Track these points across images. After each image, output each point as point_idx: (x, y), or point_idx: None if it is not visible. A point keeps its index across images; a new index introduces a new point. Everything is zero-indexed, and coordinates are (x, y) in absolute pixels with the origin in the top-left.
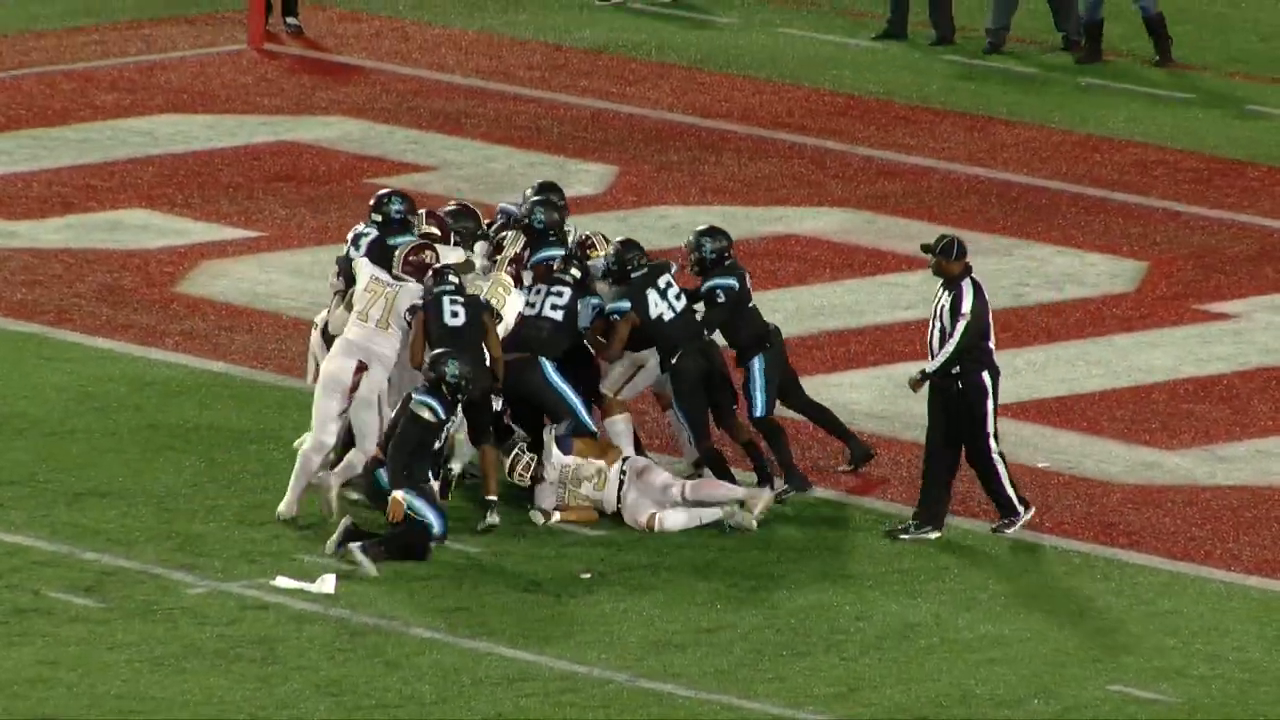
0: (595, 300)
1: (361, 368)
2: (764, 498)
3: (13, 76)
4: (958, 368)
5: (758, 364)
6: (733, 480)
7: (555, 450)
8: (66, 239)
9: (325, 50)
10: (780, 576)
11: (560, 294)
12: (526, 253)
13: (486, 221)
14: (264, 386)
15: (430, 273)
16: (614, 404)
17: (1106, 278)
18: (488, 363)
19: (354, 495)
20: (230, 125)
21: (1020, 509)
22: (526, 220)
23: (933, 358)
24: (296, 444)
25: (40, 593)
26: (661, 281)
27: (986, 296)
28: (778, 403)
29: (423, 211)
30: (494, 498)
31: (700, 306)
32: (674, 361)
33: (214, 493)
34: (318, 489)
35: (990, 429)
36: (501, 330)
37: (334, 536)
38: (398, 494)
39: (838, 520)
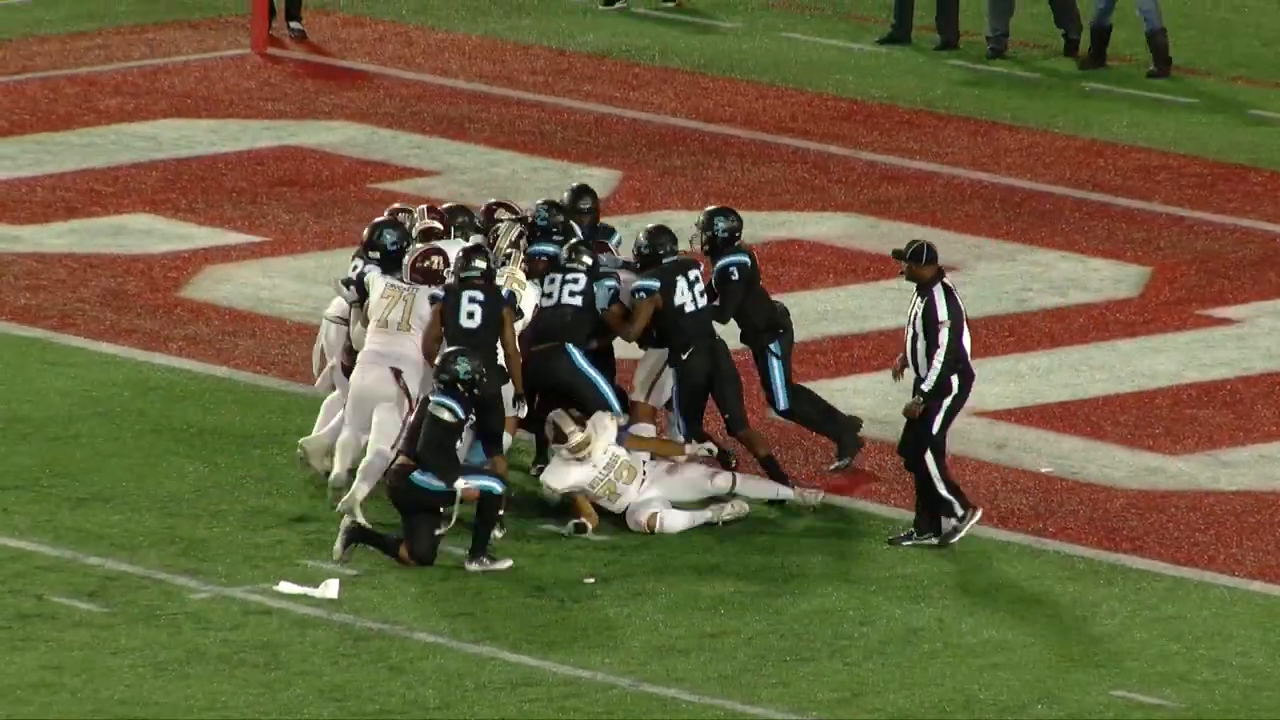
0: (610, 283)
1: (398, 373)
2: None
3: (16, 81)
4: (925, 370)
5: (776, 348)
6: None
7: (610, 435)
8: (70, 244)
9: (329, 55)
10: (784, 582)
11: (576, 280)
12: (523, 243)
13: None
14: (267, 391)
15: (460, 253)
16: (642, 409)
17: (1110, 283)
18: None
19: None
20: (234, 130)
21: (957, 510)
22: (530, 217)
23: (914, 367)
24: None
25: (44, 598)
26: (691, 274)
27: (959, 300)
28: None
29: (423, 207)
30: (501, 511)
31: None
32: (684, 358)
33: (217, 498)
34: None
35: (934, 428)
36: (519, 326)
37: (338, 542)
38: (461, 483)
39: (841, 525)
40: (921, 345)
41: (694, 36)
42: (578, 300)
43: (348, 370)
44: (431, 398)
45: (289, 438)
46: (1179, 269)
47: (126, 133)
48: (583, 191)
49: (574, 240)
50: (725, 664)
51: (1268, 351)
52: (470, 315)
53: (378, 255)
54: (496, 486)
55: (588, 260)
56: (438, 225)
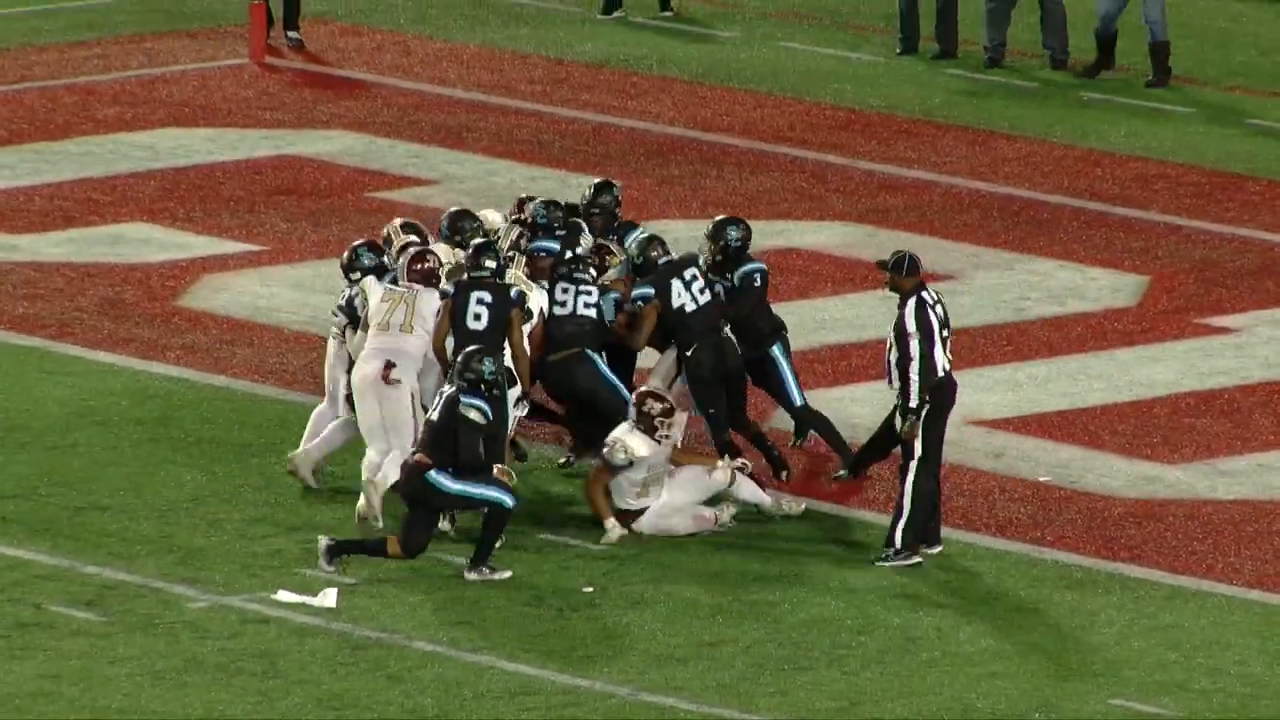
0: (615, 294)
1: (389, 365)
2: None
3: (14, 90)
4: (898, 382)
5: (779, 351)
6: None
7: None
8: (68, 253)
9: (327, 64)
10: (782, 591)
11: (589, 292)
12: (524, 244)
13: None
14: (265, 400)
15: (471, 250)
16: None
17: (1108, 292)
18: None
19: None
20: (232, 139)
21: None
22: (529, 216)
23: (889, 379)
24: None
25: (42, 607)
26: (687, 273)
27: (932, 312)
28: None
29: (397, 222)
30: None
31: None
32: (689, 354)
33: (215, 506)
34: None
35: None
36: (526, 328)
37: (322, 559)
38: (500, 473)
39: (839, 534)
40: (894, 356)
41: (692, 46)
42: (593, 312)
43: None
44: (462, 400)
45: (287, 447)
46: (1177, 278)
47: (124, 142)
48: (602, 188)
49: (576, 253)
50: (723, 673)
51: (1265, 360)
52: (477, 317)
53: (357, 277)
54: (509, 501)
55: (593, 272)
56: (415, 238)
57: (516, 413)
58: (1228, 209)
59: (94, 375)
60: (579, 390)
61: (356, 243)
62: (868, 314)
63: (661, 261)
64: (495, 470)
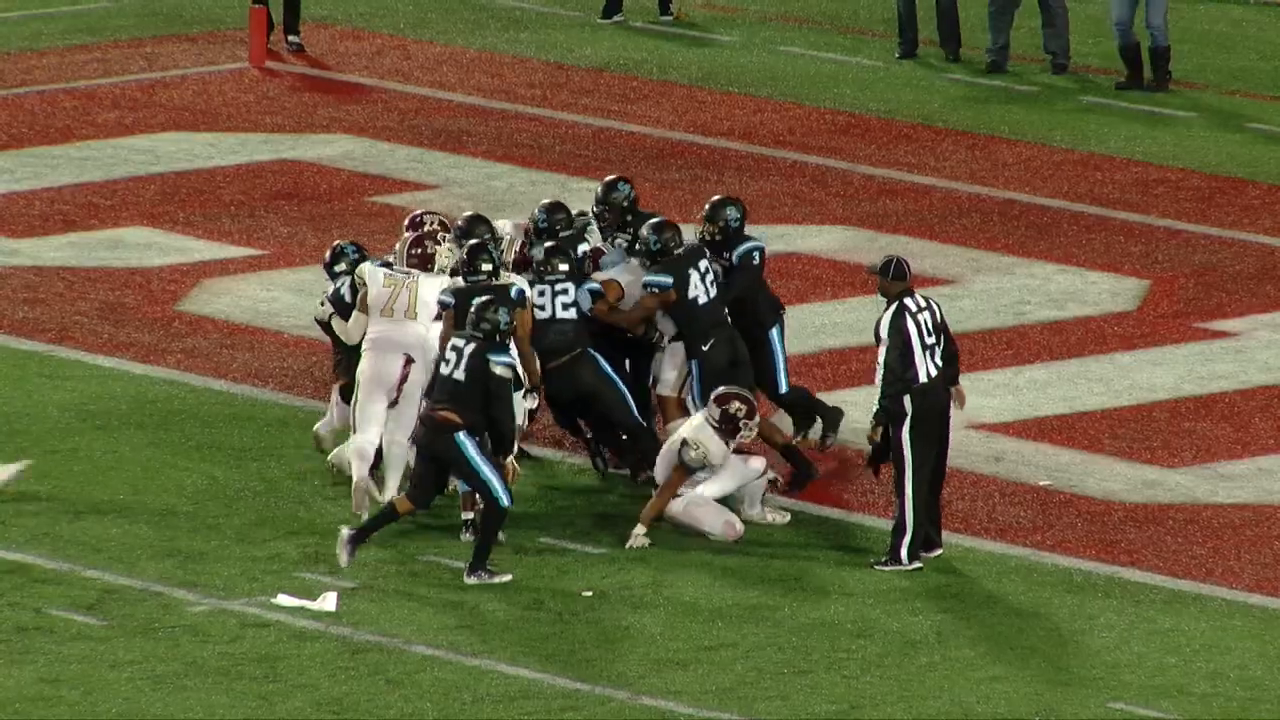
0: (591, 284)
1: (409, 361)
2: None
3: (14, 94)
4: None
5: (776, 335)
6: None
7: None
8: (68, 257)
9: (327, 68)
10: (781, 595)
11: (565, 290)
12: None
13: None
14: (265, 404)
15: (465, 253)
16: (674, 404)
17: (1108, 296)
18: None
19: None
20: (232, 143)
21: (905, 557)
22: (530, 220)
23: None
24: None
25: (42, 611)
26: (702, 265)
27: (909, 319)
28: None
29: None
30: (471, 516)
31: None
32: (705, 349)
33: (215, 511)
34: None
35: (904, 454)
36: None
37: (343, 554)
38: (512, 460)
39: (838, 538)
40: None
41: (692, 50)
42: (572, 312)
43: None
44: (491, 359)
45: (287, 451)
46: (1177, 282)
47: (124, 146)
48: (611, 185)
49: (548, 245)
50: (723, 677)
51: (1265, 364)
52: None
53: (344, 268)
54: (505, 499)
55: (564, 267)
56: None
57: (526, 404)
58: (1228, 213)
59: (94, 379)
60: (583, 390)
61: (337, 245)
62: (867, 318)
63: (677, 250)
64: (505, 463)
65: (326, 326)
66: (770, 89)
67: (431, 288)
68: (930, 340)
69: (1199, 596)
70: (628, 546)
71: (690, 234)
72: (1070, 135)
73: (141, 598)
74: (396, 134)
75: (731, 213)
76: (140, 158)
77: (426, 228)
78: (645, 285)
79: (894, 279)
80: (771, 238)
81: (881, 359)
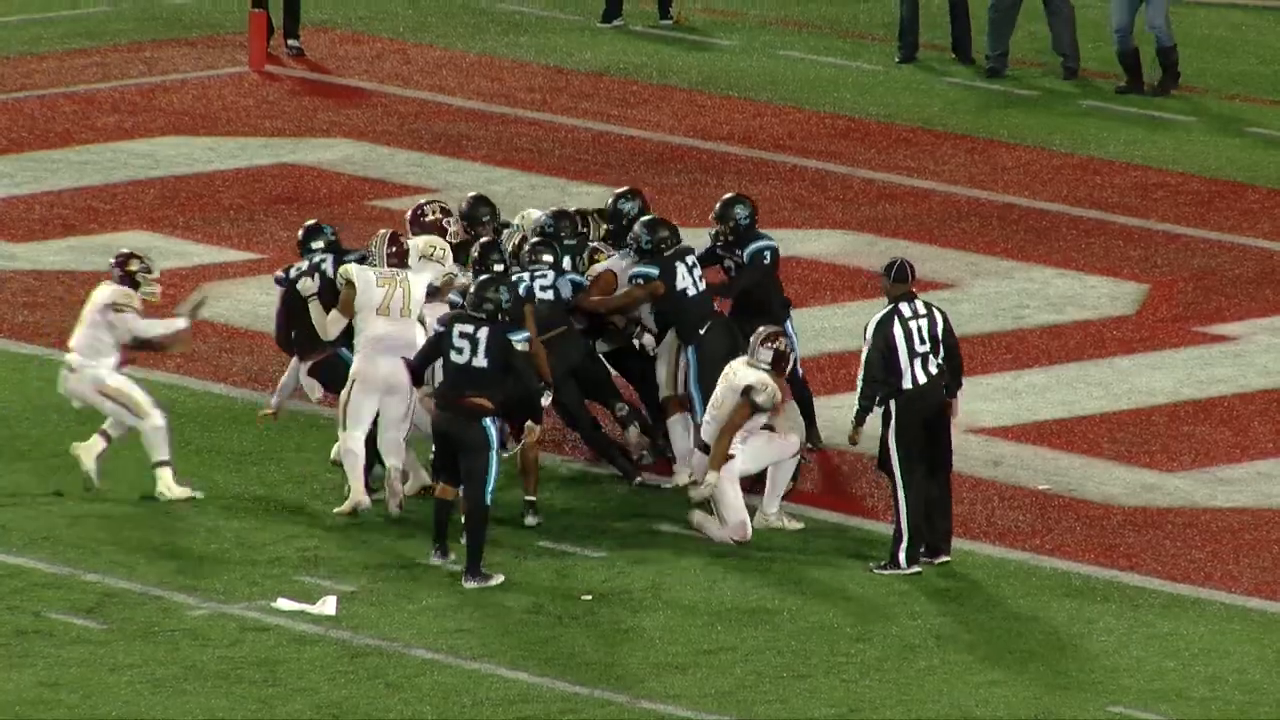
0: (572, 276)
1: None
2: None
3: (14, 99)
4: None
5: (790, 328)
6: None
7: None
8: (67, 261)
9: (327, 72)
10: (780, 598)
11: (544, 276)
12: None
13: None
14: (264, 408)
15: (477, 253)
16: (674, 403)
17: (1107, 300)
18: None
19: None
20: (231, 147)
21: (904, 561)
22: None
23: None
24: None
25: (41, 614)
26: (689, 259)
27: (898, 325)
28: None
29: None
30: (534, 498)
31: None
32: (702, 334)
33: (215, 514)
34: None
35: (890, 458)
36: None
37: (443, 560)
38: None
39: (838, 543)
40: None
41: (692, 54)
42: (549, 295)
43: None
44: (510, 338)
45: (286, 454)
46: (1176, 286)
47: (124, 150)
48: (622, 197)
49: (535, 239)
50: (722, 680)
51: (1264, 368)
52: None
53: (321, 245)
54: (487, 499)
55: (548, 258)
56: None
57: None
58: (1227, 217)
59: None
60: (572, 362)
61: (313, 220)
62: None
63: (668, 249)
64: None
65: (291, 294)
66: (770, 93)
67: (420, 283)
68: (922, 348)
69: (1198, 600)
70: (697, 498)
71: (695, 237)
72: (1070, 139)
73: (141, 601)
74: (396, 138)
75: (740, 211)
76: (140, 162)
77: (427, 218)
78: (632, 277)
79: (895, 281)
80: None
81: (863, 359)
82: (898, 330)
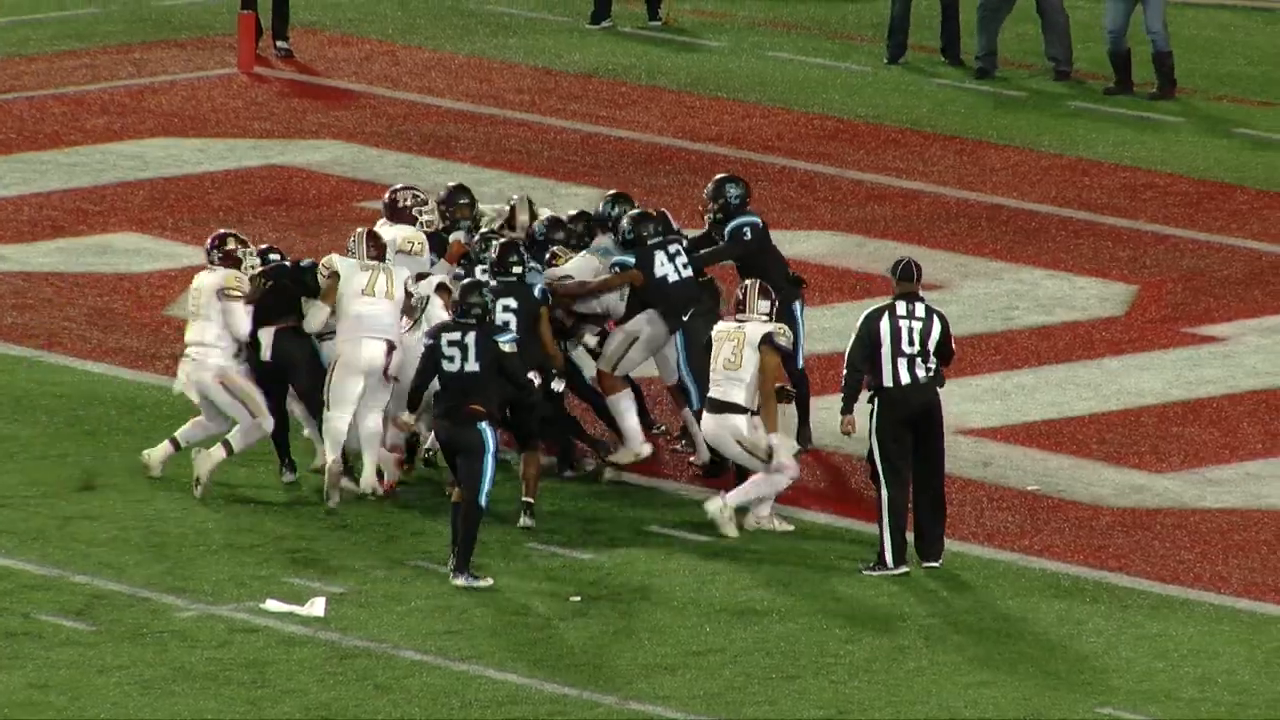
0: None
1: (391, 348)
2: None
3: (3, 100)
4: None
5: (799, 310)
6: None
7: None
8: (57, 262)
9: (315, 74)
10: (769, 599)
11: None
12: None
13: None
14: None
15: (497, 252)
16: (614, 381)
17: (1096, 301)
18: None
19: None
20: (220, 149)
21: (890, 561)
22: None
23: None
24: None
25: (30, 616)
26: (671, 248)
27: (885, 322)
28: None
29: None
30: (531, 500)
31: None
32: (685, 319)
33: (204, 516)
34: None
35: (874, 456)
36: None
37: (462, 579)
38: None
39: (827, 544)
40: None
41: (680, 55)
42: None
43: None
44: (500, 340)
45: (274, 458)
46: (1165, 287)
47: (113, 152)
48: (616, 200)
49: (502, 242)
50: (711, 682)
51: (1253, 369)
52: (505, 324)
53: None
54: (483, 500)
55: (518, 270)
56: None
57: (555, 388)
58: (1216, 218)
59: (83, 385)
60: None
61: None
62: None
63: (651, 239)
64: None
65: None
66: (758, 94)
67: (402, 273)
68: (910, 350)
69: (1187, 601)
70: (776, 461)
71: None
72: (1058, 140)
73: (130, 603)
74: (385, 139)
75: (732, 190)
76: (129, 163)
77: (401, 204)
78: (611, 265)
79: (898, 279)
80: None
81: (847, 349)
82: (885, 326)
